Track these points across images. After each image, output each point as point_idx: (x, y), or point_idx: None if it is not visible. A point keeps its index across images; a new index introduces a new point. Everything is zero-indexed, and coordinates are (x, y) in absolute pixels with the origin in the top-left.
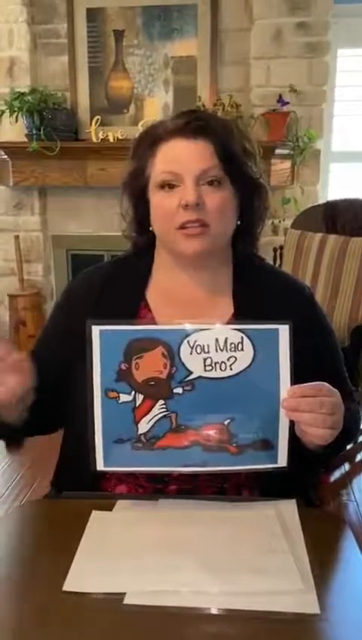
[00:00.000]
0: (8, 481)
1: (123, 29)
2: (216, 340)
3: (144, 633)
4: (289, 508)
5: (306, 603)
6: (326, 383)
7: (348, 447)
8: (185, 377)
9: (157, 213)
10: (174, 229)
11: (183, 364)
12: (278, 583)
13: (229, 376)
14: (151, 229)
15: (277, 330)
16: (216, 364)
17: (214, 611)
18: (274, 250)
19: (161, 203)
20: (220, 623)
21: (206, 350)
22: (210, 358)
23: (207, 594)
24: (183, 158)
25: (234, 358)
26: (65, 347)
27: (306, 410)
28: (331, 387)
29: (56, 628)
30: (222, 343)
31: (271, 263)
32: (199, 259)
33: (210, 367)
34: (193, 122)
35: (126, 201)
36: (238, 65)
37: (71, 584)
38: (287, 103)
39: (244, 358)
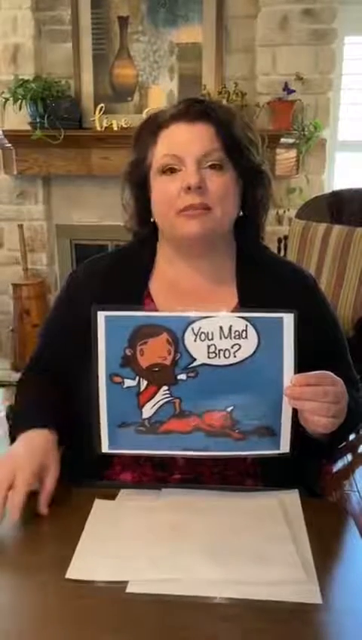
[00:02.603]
0: None
1: (127, 16)
2: (221, 327)
3: (146, 621)
4: (292, 498)
5: (308, 593)
6: (330, 372)
7: (351, 437)
8: (189, 364)
9: (159, 198)
10: (175, 213)
11: (187, 350)
12: (280, 572)
13: (233, 364)
14: (152, 220)
15: (281, 318)
16: (220, 351)
17: (216, 600)
18: (279, 240)
19: (162, 187)
20: (222, 611)
21: (210, 337)
22: (214, 345)
23: (209, 583)
24: (184, 140)
25: (238, 346)
26: (70, 339)
27: (309, 398)
28: (335, 376)
29: (59, 616)
30: (226, 331)
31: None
32: (199, 243)
33: (214, 355)
34: (194, 106)
35: (127, 192)
36: (244, 52)
37: (74, 572)
38: (293, 91)
39: (248, 346)
